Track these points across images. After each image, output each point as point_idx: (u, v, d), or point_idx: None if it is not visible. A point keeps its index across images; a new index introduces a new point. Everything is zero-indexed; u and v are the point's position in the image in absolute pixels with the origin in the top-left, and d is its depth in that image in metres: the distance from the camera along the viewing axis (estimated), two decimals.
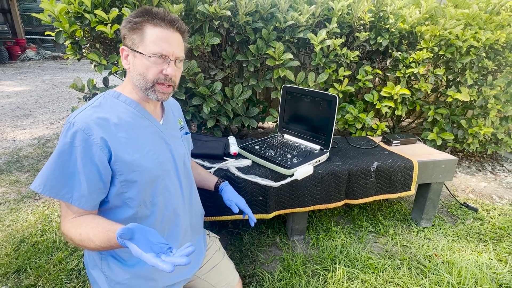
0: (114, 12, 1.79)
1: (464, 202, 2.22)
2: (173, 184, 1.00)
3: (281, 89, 1.80)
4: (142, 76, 0.88)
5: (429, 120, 2.62)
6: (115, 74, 2.04)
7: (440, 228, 1.91)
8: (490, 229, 1.94)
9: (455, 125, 2.66)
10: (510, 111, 2.56)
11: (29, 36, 10.72)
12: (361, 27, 2.25)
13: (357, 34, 2.18)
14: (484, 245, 1.80)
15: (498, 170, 2.91)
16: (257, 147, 1.67)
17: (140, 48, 0.87)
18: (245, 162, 1.51)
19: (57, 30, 1.82)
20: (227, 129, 2.66)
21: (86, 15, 1.77)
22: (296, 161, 1.51)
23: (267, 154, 1.58)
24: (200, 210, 1.22)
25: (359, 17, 2.16)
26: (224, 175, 1.46)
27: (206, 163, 1.51)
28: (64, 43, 1.88)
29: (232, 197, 1.21)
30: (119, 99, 0.93)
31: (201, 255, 1.19)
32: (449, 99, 2.41)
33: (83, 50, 2.07)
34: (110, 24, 1.79)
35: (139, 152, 0.90)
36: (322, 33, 2.03)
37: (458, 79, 2.55)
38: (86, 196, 0.83)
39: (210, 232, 1.36)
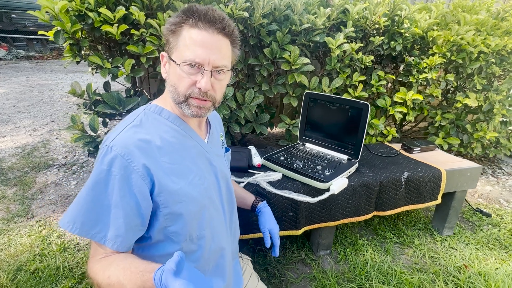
0: (121, 11, 1.63)
1: (477, 208, 2.22)
2: (217, 213, 0.87)
3: (303, 96, 1.70)
4: (174, 88, 0.75)
5: (436, 125, 2.62)
6: (116, 80, 1.87)
7: (462, 236, 1.88)
8: (508, 235, 1.94)
9: (459, 129, 2.68)
10: None
11: None
12: (375, 31, 2.20)
13: (371, 38, 2.13)
14: (506, 252, 1.78)
15: (499, 173, 2.97)
16: (282, 158, 1.56)
17: (174, 54, 0.73)
18: (276, 176, 1.40)
19: (54, 29, 1.64)
20: (233, 137, 2.53)
21: (90, 14, 1.59)
22: (329, 173, 1.42)
23: (295, 165, 1.48)
24: (238, 234, 1.10)
25: (373, 21, 2.11)
26: (254, 190, 1.35)
27: (233, 177, 1.39)
28: (63, 45, 1.69)
29: (267, 223, 1.11)
30: (162, 115, 0.79)
31: (240, 281, 1.07)
32: (458, 105, 2.42)
33: (82, 52, 1.88)
34: (117, 24, 1.63)
35: (184, 178, 0.76)
36: (340, 37, 1.96)
37: (465, 85, 2.57)
38: (122, 235, 0.69)
39: (242, 254, 1.24)
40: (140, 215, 0.71)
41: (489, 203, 2.38)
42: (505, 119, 2.73)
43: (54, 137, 3.14)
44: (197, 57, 0.70)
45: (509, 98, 2.59)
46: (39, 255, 1.55)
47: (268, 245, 1.10)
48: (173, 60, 0.73)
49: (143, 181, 0.69)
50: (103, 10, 1.59)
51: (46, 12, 1.59)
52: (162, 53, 0.78)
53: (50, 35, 1.68)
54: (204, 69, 0.72)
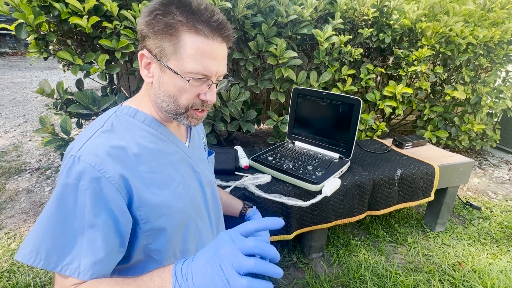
0: (91, 1, 1.48)
1: (467, 201, 2.20)
2: (203, 223, 0.78)
3: (292, 92, 1.61)
4: (172, 99, 0.64)
5: (424, 118, 2.59)
6: (92, 78, 1.73)
7: (454, 232, 1.86)
8: (498, 228, 1.93)
9: (447, 122, 2.66)
10: (499, 107, 2.61)
11: None
12: (363, 23, 2.13)
13: (360, 30, 2.05)
14: (497, 246, 1.77)
15: (485, 165, 2.99)
16: (270, 158, 1.47)
17: (172, 61, 0.61)
18: (265, 179, 1.31)
19: (17, 22, 1.48)
20: (219, 135, 2.42)
21: (56, 5, 1.44)
22: (320, 174, 1.34)
23: (284, 166, 1.40)
24: None
25: (362, 12, 2.03)
26: (241, 194, 1.25)
27: (218, 181, 1.29)
28: (27, 39, 1.54)
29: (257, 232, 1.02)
30: (136, 117, 0.68)
31: None
32: (447, 98, 2.39)
33: (50, 47, 1.73)
34: (87, 16, 1.48)
35: (166, 188, 0.67)
36: (328, 29, 1.87)
37: (452, 77, 2.54)
38: (102, 261, 0.58)
39: None
40: (119, 234, 0.60)
41: (478, 195, 2.37)
42: (491, 111, 2.74)
43: (27, 139, 2.94)
44: (205, 70, 0.61)
45: (495, 90, 2.59)
46: (7, 272, 1.41)
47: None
48: (171, 69, 0.61)
49: (119, 193, 0.59)
50: (71, 0, 1.44)
51: (5, 3, 1.42)
52: (143, 52, 0.64)
53: (12, 28, 1.52)
54: (212, 82, 0.64)
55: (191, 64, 0.60)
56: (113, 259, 0.61)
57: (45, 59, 1.66)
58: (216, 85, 0.67)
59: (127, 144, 0.63)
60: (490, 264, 1.60)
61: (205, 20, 0.59)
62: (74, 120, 1.90)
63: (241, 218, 1.07)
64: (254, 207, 1.07)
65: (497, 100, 2.62)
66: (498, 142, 2.89)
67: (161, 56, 0.61)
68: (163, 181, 0.67)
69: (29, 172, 2.30)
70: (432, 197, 1.65)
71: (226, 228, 1.01)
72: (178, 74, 0.61)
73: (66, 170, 0.58)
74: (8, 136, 3.03)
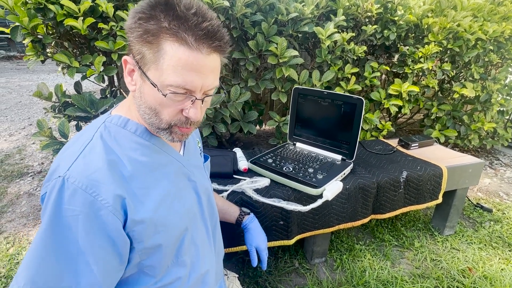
0: (86, 2, 1.46)
1: (477, 203, 2.12)
2: (199, 233, 0.74)
3: (292, 92, 1.57)
4: (154, 112, 0.58)
5: (432, 117, 2.51)
6: (88, 78, 1.71)
7: (463, 235, 1.79)
8: (510, 231, 1.85)
9: (456, 121, 2.57)
10: (511, 105, 2.51)
11: None
12: (367, 20, 2.06)
13: (363, 27, 1.99)
14: (509, 250, 1.69)
15: (496, 164, 2.88)
16: (270, 160, 1.43)
17: (152, 71, 0.55)
18: (263, 182, 1.26)
19: (12, 25, 1.46)
20: (221, 136, 2.39)
21: (51, 7, 1.42)
22: (321, 176, 1.29)
23: (284, 169, 1.35)
24: (222, 251, 0.96)
25: (365, 8, 1.97)
26: (239, 199, 1.21)
27: (215, 185, 1.25)
28: (23, 42, 1.52)
29: (254, 241, 1.01)
30: (127, 128, 0.63)
31: None
32: (455, 95, 2.31)
33: (48, 50, 1.71)
34: (82, 18, 1.46)
35: (162, 204, 0.62)
36: (330, 27, 1.82)
37: (461, 74, 2.46)
38: (100, 284, 0.55)
39: (227, 271, 1.11)
40: (118, 255, 0.57)
41: (489, 197, 2.29)
42: (502, 109, 2.64)
43: (30, 142, 2.95)
44: (187, 84, 0.55)
45: (507, 87, 2.50)
46: (5, 277, 1.40)
47: (254, 264, 0.99)
48: (150, 80, 0.55)
49: (115, 217, 0.55)
50: (66, 1, 1.42)
51: (0, 6, 1.41)
52: (126, 58, 0.58)
53: (8, 31, 1.51)
54: (196, 98, 0.57)
55: (171, 76, 0.53)
56: (112, 280, 0.58)
57: (42, 62, 1.64)
58: (202, 101, 0.60)
59: (118, 159, 0.58)
60: (502, 270, 1.53)
61: (190, 27, 0.52)
62: (74, 123, 1.88)
63: (238, 225, 1.03)
64: (251, 214, 1.03)
65: (508, 98, 2.52)
66: (510, 140, 2.79)
67: (141, 64, 0.56)
68: (157, 196, 0.62)
69: (31, 176, 2.30)
70: (440, 200, 1.58)
71: (223, 234, 0.98)
72: (155, 86, 0.55)
73: (55, 193, 0.53)
74: (13, 139, 3.04)
